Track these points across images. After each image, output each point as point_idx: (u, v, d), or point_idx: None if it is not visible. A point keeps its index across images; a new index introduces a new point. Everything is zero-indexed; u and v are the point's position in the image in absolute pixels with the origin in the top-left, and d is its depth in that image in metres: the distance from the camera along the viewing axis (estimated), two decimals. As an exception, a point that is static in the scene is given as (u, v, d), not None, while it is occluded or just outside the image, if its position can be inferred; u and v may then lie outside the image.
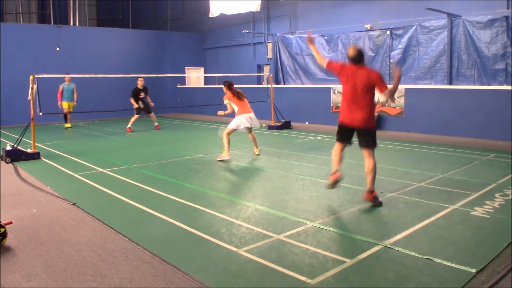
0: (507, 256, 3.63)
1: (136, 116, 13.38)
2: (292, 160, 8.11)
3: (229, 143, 8.17)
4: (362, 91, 4.92)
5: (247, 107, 8.36)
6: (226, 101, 8.41)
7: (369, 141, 5.04)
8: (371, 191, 5.11)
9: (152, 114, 13.66)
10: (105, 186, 6.20)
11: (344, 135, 5.14)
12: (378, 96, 4.95)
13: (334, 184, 5.17)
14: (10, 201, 5.55)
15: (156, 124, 13.84)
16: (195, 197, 5.62)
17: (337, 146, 5.20)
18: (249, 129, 8.49)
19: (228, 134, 8.22)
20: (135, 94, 13.25)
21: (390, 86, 4.93)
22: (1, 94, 15.38)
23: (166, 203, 5.40)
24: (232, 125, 8.25)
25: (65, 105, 14.09)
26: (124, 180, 6.66)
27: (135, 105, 13.23)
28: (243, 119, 8.23)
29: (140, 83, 13.27)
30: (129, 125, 13.33)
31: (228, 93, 8.37)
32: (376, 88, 4.95)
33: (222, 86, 8.55)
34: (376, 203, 5.06)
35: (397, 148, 9.45)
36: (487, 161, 7.80)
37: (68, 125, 14.44)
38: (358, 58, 4.99)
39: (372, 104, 5.02)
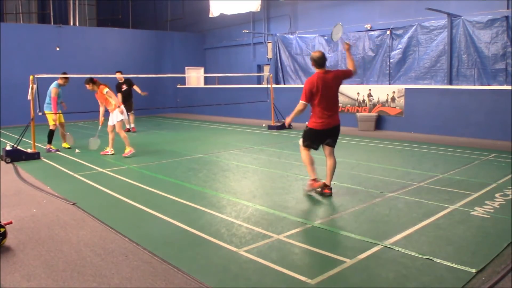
0: (507, 256, 3.64)
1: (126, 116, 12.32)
2: (292, 160, 8.11)
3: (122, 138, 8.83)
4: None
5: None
6: (106, 92, 8.87)
7: None
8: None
9: (131, 113, 12.58)
10: (105, 186, 6.20)
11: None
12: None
13: None
14: (10, 201, 5.55)
15: (132, 125, 12.76)
16: (195, 197, 5.62)
17: None
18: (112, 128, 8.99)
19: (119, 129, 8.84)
20: (117, 88, 12.54)
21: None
22: (1, 94, 15.39)
23: (166, 203, 5.40)
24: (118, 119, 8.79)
25: (57, 117, 9.43)
26: (124, 180, 6.66)
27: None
28: (118, 114, 8.78)
29: (117, 76, 12.52)
30: (127, 126, 12.56)
31: (103, 87, 8.87)
32: (345, 76, 5.49)
33: (88, 84, 9.08)
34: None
35: (397, 148, 9.44)
36: (487, 161, 7.80)
37: (65, 145, 9.86)
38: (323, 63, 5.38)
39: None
